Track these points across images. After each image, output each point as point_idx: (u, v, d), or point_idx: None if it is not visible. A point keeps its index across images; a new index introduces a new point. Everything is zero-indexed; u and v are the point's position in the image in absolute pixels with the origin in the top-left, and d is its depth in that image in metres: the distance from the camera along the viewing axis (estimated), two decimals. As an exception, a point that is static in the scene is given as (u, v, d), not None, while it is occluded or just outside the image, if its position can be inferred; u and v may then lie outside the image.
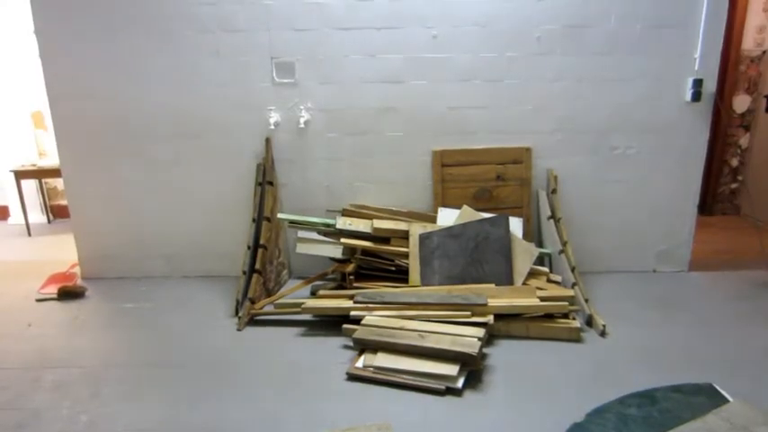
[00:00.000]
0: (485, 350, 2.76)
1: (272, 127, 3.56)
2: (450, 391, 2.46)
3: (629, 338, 2.92)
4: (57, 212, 5.57)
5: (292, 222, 3.44)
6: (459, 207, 3.51)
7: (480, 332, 2.69)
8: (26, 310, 3.41)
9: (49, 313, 3.35)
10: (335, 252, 3.42)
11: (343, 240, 3.32)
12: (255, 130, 3.58)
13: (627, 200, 3.68)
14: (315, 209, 3.67)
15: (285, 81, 3.51)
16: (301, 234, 3.46)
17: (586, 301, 3.14)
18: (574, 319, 3.01)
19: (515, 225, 3.41)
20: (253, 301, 3.21)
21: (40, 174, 5.01)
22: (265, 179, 3.55)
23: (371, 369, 2.58)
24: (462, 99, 3.52)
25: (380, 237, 3.34)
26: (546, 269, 3.35)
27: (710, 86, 3.47)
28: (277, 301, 3.22)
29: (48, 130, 5.28)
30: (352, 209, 3.55)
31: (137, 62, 3.48)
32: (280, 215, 3.51)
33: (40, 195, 5.44)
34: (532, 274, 3.23)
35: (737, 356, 2.74)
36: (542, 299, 2.99)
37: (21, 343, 2.98)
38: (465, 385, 2.49)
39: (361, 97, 3.52)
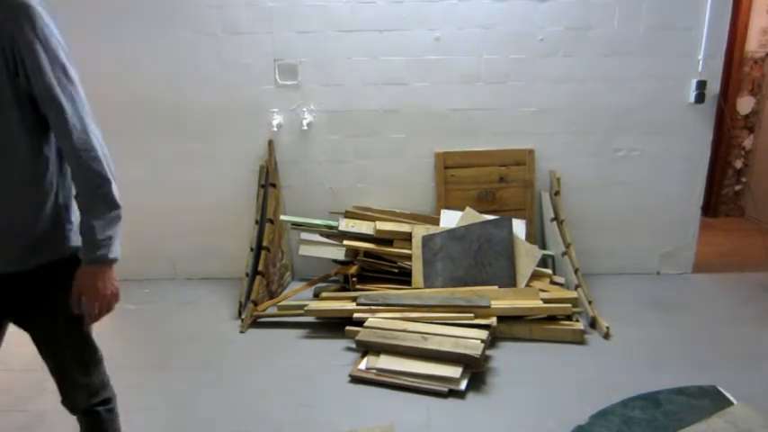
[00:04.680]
0: (488, 352, 2.76)
1: (275, 129, 3.57)
2: (453, 394, 2.46)
3: (633, 341, 2.91)
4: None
5: (295, 224, 3.44)
6: (461, 209, 3.50)
7: (483, 334, 2.69)
8: (30, 311, 3.41)
9: (53, 315, 3.35)
10: (338, 254, 3.42)
11: (345, 242, 3.32)
12: (258, 132, 3.59)
13: (630, 202, 3.67)
14: (317, 211, 3.67)
15: (288, 83, 3.51)
16: (304, 236, 3.46)
17: (590, 302, 3.13)
18: (577, 321, 3.00)
19: (518, 227, 3.40)
20: (256, 303, 3.21)
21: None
22: (268, 181, 3.55)
23: (374, 371, 2.59)
24: (465, 101, 3.52)
25: (383, 239, 3.34)
26: (549, 271, 3.35)
27: (714, 88, 3.46)
28: (280, 303, 3.22)
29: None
30: (355, 211, 3.55)
31: (139, 63, 3.49)
32: (282, 217, 3.51)
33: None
34: (535, 275, 3.22)
35: (742, 359, 2.73)
36: (545, 301, 2.98)
37: (24, 345, 2.98)
38: (468, 387, 2.49)
39: (363, 99, 3.52)
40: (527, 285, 3.12)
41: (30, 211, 1.38)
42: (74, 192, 1.42)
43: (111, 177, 1.38)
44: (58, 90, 1.30)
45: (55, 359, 1.55)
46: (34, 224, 1.39)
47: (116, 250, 1.41)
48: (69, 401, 1.60)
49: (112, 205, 1.39)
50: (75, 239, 1.46)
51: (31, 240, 1.39)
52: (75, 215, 1.45)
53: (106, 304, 1.44)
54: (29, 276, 1.41)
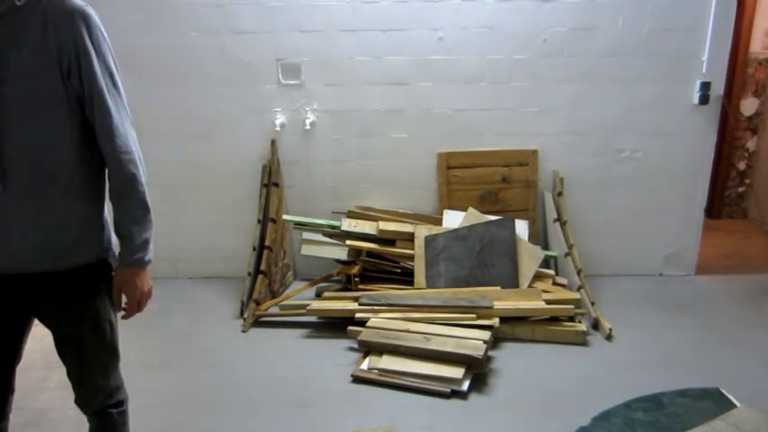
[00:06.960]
0: (490, 353, 2.75)
1: (278, 128, 3.56)
2: (456, 394, 2.45)
3: (636, 342, 2.91)
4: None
5: (297, 224, 3.44)
6: (464, 209, 3.50)
7: (486, 335, 2.68)
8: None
9: (55, 313, 3.35)
10: (341, 254, 3.42)
11: (348, 242, 3.31)
12: (261, 131, 3.58)
13: (633, 203, 3.66)
14: (320, 210, 3.66)
15: (291, 83, 3.51)
16: (306, 236, 3.46)
17: (592, 304, 3.13)
18: (580, 322, 3.00)
19: (521, 228, 3.40)
20: (258, 303, 3.21)
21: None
22: (271, 180, 3.55)
23: (376, 371, 2.58)
24: (468, 101, 3.51)
25: (386, 239, 3.33)
26: (552, 272, 3.34)
27: (718, 89, 3.45)
28: (282, 303, 3.22)
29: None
30: (358, 211, 3.55)
31: (140, 62, 3.48)
32: (285, 217, 3.51)
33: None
34: (538, 276, 3.21)
35: (744, 361, 2.73)
36: (548, 302, 2.98)
37: (26, 343, 2.99)
38: (470, 388, 2.48)
39: (366, 99, 3.52)
40: (530, 286, 3.12)
41: (70, 212, 1.41)
42: (110, 195, 1.47)
43: (144, 182, 1.46)
44: (106, 96, 1.38)
45: (77, 361, 1.56)
46: (73, 225, 1.42)
47: (151, 252, 1.49)
48: (83, 401, 1.61)
49: (147, 209, 1.46)
50: (108, 244, 1.50)
51: (68, 241, 1.42)
52: (110, 219, 1.49)
53: (144, 301, 1.52)
54: (61, 278, 1.43)
